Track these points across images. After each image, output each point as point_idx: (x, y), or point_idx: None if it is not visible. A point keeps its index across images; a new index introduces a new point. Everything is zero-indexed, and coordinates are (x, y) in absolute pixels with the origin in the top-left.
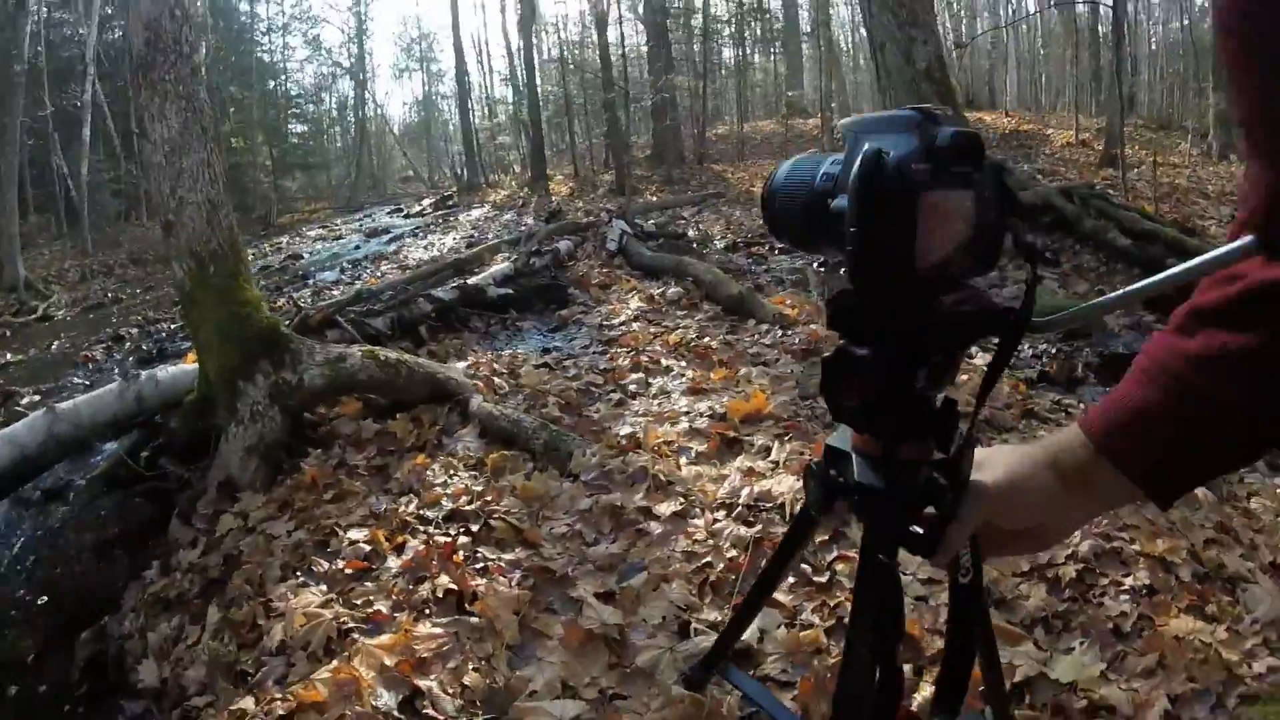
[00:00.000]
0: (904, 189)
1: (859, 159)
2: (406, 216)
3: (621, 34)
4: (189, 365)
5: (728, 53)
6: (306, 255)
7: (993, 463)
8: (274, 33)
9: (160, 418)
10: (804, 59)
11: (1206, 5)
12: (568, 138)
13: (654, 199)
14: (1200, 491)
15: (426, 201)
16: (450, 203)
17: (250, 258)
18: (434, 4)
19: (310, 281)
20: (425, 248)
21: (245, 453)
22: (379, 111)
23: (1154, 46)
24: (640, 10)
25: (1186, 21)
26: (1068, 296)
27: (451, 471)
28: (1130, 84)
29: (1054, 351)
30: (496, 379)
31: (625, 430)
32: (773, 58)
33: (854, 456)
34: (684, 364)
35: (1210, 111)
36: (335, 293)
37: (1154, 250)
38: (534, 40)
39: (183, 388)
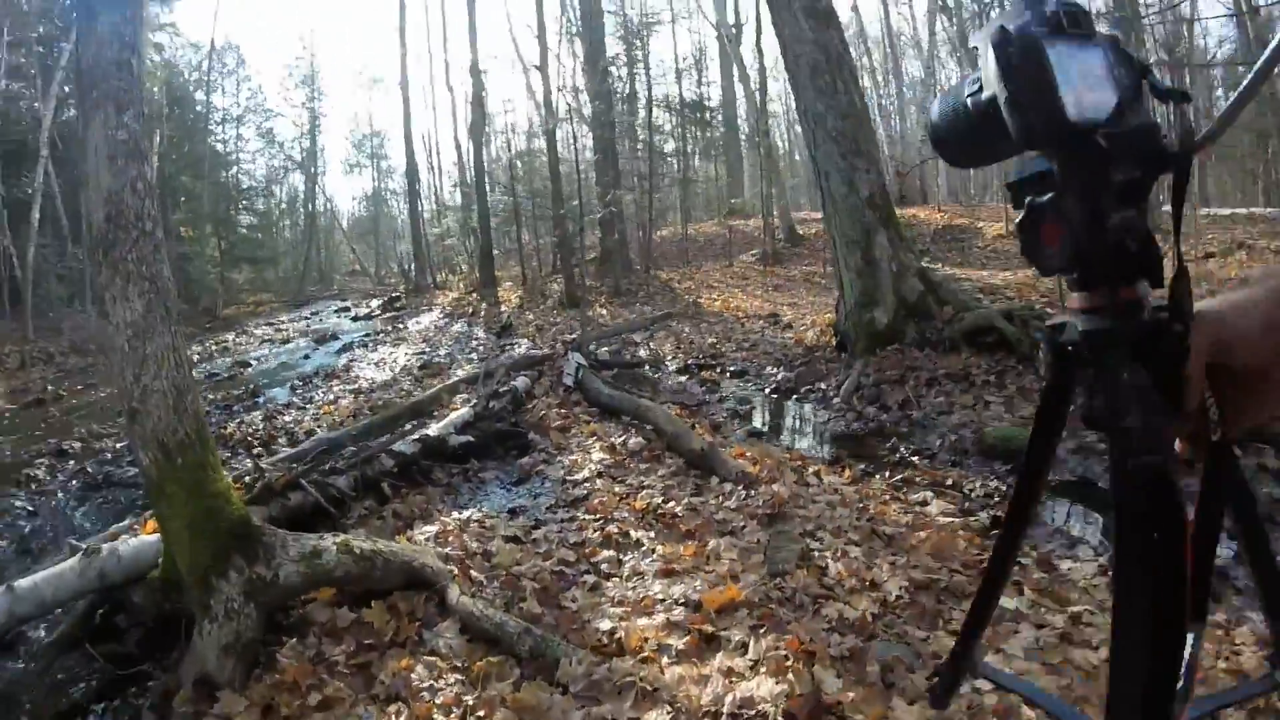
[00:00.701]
0: (1031, 45)
1: (987, 41)
2: (355, 319)
3: (572, 133)
4: (150, 537)
5: (671, 150)
6: (254, 363)
7: (1213, 298)
8: (228, 123)
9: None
10: (744, 162)
11: None
12: (515, 238)
13: (604, 312)
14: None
15: (375, 302)
16: (398, 304)
17: (195, 358)
18: (387, 101)
19: (260, 400)
20: (377, 364)
21: (222, 651)
22: (329, 206)
23: None
24: (588, 116)
25: None
26: (1014, 422)
27: (438, 675)
28: None
29: (1005, 490)
30: (470, 563)
31: (605, 625)
32: (714, 161)
33: (1074, 318)
34: (653, 535)
35: None
36: (287, 418)
37: None
38: (484, 146)
39: (146, 562)
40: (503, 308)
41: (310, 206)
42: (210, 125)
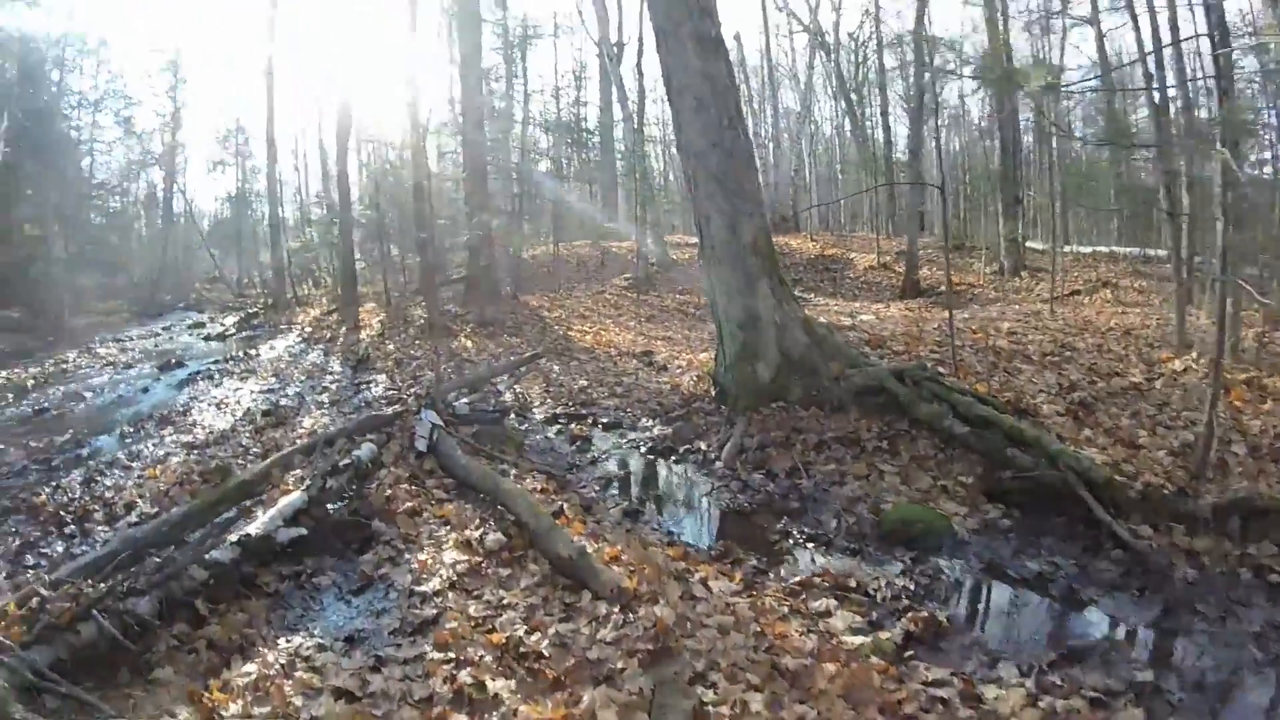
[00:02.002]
0: None
1: None
2: (207, 338)
3: (446, 146)
4: None
5: (545, 170)
6: (89, 395)
7: None
8: (84, 108)
9: None
10: (618, 184)
11: (986, 125)
12: (381, 252)
13: (469, 344)
14: None
15: (230, 320)
16: (255, 322)
17: (28, 383)
18: (254, 97)
19: (84, 453)
20: (219, 405)
21: None
22: (188, 206)
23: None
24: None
25: (969, 139)
26: (911, 497)
27: None
28: (920, 203)
29: (912, 589)
30: None
31: None
32: (589, 183)
33: None
34: (514, 686)
35: (1001, 237)
36: (109, 480)
37: (992, 439)
38: (349, 154)
39: None
40: (363, 333)
41: (169, 206)
42: (64, 109)
